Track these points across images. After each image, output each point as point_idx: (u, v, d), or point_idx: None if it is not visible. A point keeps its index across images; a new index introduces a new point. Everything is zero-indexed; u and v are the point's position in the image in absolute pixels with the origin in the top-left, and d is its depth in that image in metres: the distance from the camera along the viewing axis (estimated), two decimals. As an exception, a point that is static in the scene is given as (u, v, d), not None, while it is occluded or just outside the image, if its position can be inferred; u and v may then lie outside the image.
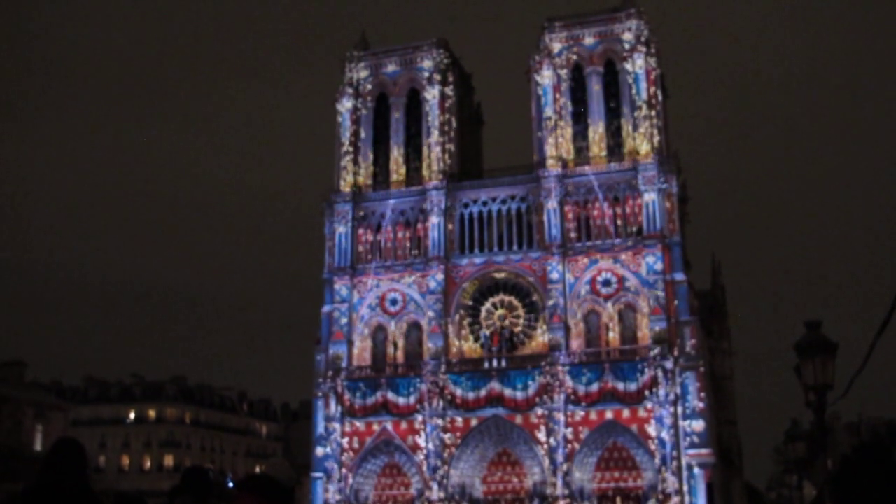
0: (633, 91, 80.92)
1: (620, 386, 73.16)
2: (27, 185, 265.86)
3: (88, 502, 8.13)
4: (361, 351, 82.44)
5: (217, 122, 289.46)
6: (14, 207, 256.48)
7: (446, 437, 76.59)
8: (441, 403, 76.83)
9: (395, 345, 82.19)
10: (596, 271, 77.78)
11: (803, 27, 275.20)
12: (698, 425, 72.14)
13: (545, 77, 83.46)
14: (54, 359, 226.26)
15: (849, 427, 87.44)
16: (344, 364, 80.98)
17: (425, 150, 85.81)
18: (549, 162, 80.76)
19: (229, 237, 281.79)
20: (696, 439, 71.85)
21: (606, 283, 77.46)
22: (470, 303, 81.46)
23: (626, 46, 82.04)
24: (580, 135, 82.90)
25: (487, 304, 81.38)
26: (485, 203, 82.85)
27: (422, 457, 76.88)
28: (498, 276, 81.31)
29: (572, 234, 79.11)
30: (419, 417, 77.49)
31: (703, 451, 72.11)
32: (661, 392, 71.97)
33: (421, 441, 77.17)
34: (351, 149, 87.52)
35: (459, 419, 76.86)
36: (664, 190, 77.70)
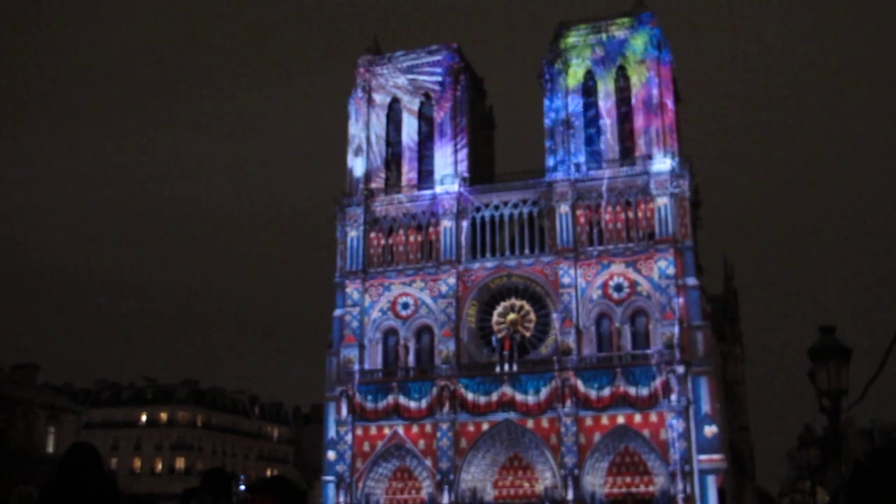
0: (646, 95, 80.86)
1: (632, 391, 73.05)
2: (38, 189, 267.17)
3: (113, 499, 8.25)
4: (373, 355, 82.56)
5: (229, 126, 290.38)
6: (26, 211, 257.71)
7: (458, 441, 76.60)
8: (452, 407, 76.86)
9: (407, 349, 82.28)
10: (608, 276, 77.72)
11: (818, 31, 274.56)
12: (710, 430, 71.93)
13: (557, 81, 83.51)
14: (67, 361, 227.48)
15: (862, 433, 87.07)
16: (356, 368, 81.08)
17: (437, 154, 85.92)
18: (561, 166, 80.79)
19: (241, 240, 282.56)
20: (708, 444, 71.64)
21: (618, 287, 77.37)
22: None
23: (639, 50, 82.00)
24: (592, 139, 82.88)
25: (499, 308, 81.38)
26: (496, 207, 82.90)
27: (433, 461, 76.91)
28: (509, 280, 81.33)
29: (584, 239, 79.07)
30: (430, 421, 77.53)
31: (716, 456, 71.90)
32: (673, 397, 71.82)
33: (432, 445, 77.20)
34: (363, 152, 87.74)
35: (471, 423, 76.85)
36: (676, 194, 77.58)
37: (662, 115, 79.91)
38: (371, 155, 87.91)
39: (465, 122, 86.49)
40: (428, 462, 77.29)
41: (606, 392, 73.61)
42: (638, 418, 73.07)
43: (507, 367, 76.93)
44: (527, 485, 77.42)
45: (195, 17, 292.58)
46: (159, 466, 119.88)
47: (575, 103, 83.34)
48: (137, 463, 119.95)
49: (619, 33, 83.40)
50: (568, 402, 74.08)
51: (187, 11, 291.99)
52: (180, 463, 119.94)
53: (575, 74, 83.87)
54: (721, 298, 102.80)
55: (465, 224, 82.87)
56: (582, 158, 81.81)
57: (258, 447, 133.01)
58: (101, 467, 8.54)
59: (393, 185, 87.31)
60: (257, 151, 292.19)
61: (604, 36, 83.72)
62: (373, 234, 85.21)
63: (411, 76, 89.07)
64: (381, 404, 78.97)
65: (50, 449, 72.76)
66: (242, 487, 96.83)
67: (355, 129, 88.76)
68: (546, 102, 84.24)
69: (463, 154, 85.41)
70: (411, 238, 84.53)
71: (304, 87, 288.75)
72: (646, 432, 72.78)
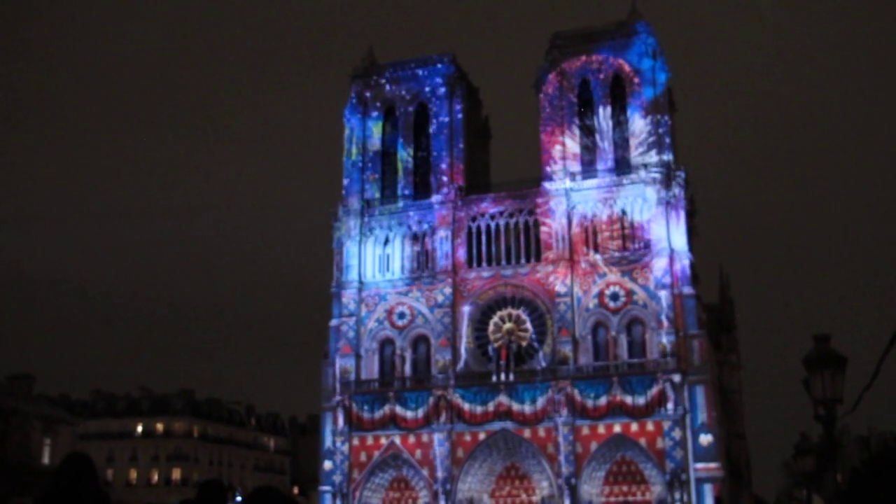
0: (641, 104, 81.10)
1: (629, 400, 73.13)
2: (34, 200, 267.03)
3: None
4: (369, 365, 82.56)
5: (225, 135, 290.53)
6: (21, 222, 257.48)
7: (454, 451, 76.56)
8: (449, 417, 76.84)
9: (403, 358, 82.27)
10: (604, 285, 77.81)
11: (813, 40, 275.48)
12: (707, 439, 71.96)
13: (552, 91, 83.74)
14: (62, 372, 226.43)
15: (858, 441, 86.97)
16: (352, 378, 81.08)
17: (433, 163, 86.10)
18: (557, 175, 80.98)
19: (237, 250, 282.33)
20: (704, 453, 71.67)
21: (614, 296, 77.46)
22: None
23: (634, 60, 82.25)
24: (588, 148, 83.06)
25: (495, 318, 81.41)
26: (492, 216, 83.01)
27: (430, 471, 76.84)
28: (503, 290, 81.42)
29: (580, 248, 79.18)
30: (427, 431, 77.50)
31: (712, 464, 71.94)
32: (670, 406, 71.90)
33: (429, 455, 77.15)
34: (359, 162, 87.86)
35: (467, 433, 76.85)
36: (672, 203, 77.75)
37: (658, 124, 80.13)
38: (367, 165, 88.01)
39: (460, 131, 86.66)
40: (425, 472, 77.22)
41: (603, 401, 73.68)
42: (634, 427, 73.10)
43: (503, 377, 76.95)
44: (524, 494, 77.39)
45: (193, 26, 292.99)
46: (155, 477, 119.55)
47: (570, 112, 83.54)
48: (133, 474, 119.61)
49: (614, 42, 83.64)
50: (564, 412, 74.10)
51: (186, 19, 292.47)
52: (176, 474, 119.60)
53: (570, 84, 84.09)
54: (717, 307, 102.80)
55: (460, 233, 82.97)
56: (577, 167, 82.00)
57: (254, 458, 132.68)
58: (95, 479, 8.54)
59: (389, 194, 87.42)
60: (253, 161, 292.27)
61: (599, 45, 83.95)
62: (369, 244, 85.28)
63: (407, 86, 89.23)
64: (378, 414, 78.96)
65: (46, 460, 72.45)
66: (239, 499, 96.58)
67: (351, 139, 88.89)
68: (541, 111, 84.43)
69: (459, 163, 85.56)
70: (407, 248, 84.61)
71: (301, 96, 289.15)
72: (642, 441, 72.81)
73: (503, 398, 76.02)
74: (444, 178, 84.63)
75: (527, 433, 75.64)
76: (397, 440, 78.57)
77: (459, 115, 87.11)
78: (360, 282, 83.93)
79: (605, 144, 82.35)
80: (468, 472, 76.66)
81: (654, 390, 72.66)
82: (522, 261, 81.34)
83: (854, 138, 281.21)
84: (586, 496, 73.53)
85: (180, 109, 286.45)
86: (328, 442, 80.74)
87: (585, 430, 74.12)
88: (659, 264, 76.25)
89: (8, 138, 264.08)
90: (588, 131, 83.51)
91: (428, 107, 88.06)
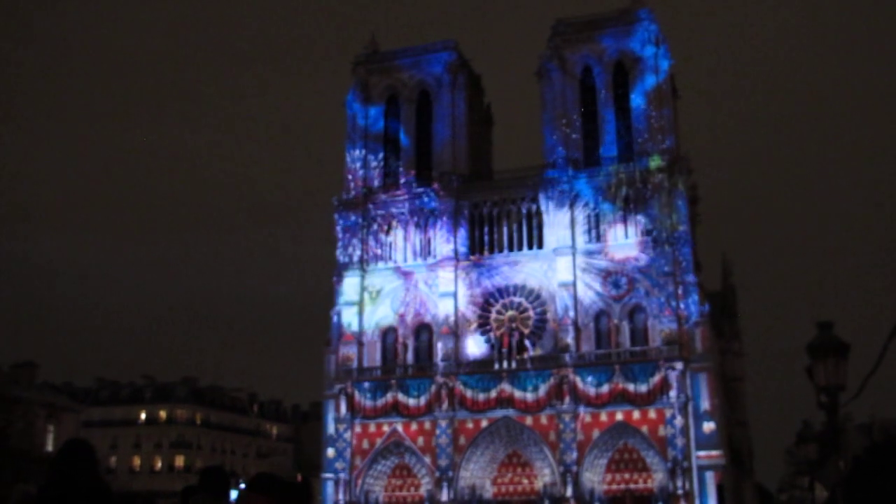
0: (644, 92, 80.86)
1: (631, 387, 73.15)
2: (37, 187, 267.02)
3: (104, 500, 8.22)
4: (371, 352, 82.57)
5: (227, 123, 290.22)
6: (24, 210, 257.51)
7: (456, 438, 76.64)
8: (451, 405, 76.90)
9: (406, 346, 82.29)
10: (606, 272, 77.75)
11: (817, 26, 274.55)
12: (709, 427, 72.03)
13: (555, 78, 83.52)
14: (66, 360, 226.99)
15: (861, 428, 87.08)
16: (354, 365, 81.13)
17: (435, 150, 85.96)
18: (559, 163, 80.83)
19: (239, 238, 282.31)
20: (706, 441, 71.73)
21: (616, 284, 77.40)
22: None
23: (637, 47, 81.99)
24: (590, 136, 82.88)
25: (497, 306, 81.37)
26: (495, 204, 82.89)
27: (432, 458, 76.95)
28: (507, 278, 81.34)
29: (582, 235, 79.10)
30: (429, 419, 77.57)
31: (714, 452, 72.01)
32: (672, 393, 71.93)
33: (431, 442, 77.24)
34: (361, 149, 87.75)
35: (469, 420, 76.91)
36: (674, 191, 77.62)
37: (660, 112, 79.92)
38: (369, 151, 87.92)
39: (463, 118, 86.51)
40: (427, 459, 77.35)
41: (605, 389, 73.71)
42: (636, 415, 73.14)
43: (505, 364, 76.98)
44: (525, 482, 77.48)
45: (195, 14, 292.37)
46: (158, 464, 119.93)
47: (573, 100, 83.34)
48: (137, 461, 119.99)
49: (617, 30, 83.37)
50: (567, 399, 74.15)
51: (186, 7, 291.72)
52: (179, 461, 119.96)
53: (572, 71, 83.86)
54: (719, 295, 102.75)
55: (462, 221, 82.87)
56: (580, 155, 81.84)
57: (257, 445, 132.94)
58: (94, 465, 8.48)
59: (391, 181, 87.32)
60: (256, 148, 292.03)
61: (601, 33, 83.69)
62: (371, 231, 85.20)
63: (409, 73, 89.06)
64: (380, 402, 79.03)
65: (49, 447, 72.74)
66: (243, 486, 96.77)
67: (353, 126, 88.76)
68: (544, 99, 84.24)
69: (461, 151, 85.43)
70: (409, 235, 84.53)
71: (304, 83, 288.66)
72: (644, 429, 72.86)
73: (505, 386, 76.07)
74: (447, 166, 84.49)
75: (529, 421, 75.71)
76: (399, 428, 78.67)
77: (462, 103, 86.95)
78: (363, 269, 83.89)
79: (608, 132, 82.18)
80: (470, 460, 76.78)
81: (657, 378, 72.68)
82: (525, 248, 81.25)
83: (858, 124, 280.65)
84: (588, 484, 73.61)
85: (181, 100, 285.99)
86: (330, 429, 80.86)
87: (587, 418, 74.17)
88: (661, 252, 76.16)
89: (8, 131, 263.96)
90: (590, 118, 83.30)
91: (430, 94, 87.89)
